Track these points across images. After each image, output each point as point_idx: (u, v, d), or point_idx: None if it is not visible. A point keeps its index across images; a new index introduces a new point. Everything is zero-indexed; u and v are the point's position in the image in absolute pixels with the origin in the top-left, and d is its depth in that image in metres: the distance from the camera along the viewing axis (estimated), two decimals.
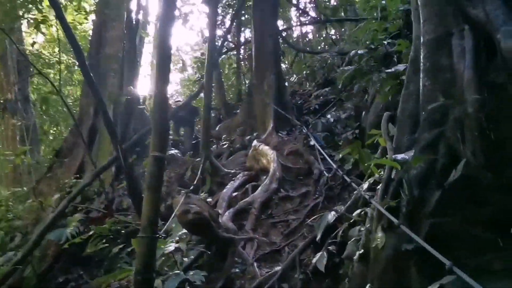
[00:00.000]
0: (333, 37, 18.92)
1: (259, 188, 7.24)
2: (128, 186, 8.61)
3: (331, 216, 4.68)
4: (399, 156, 3.20)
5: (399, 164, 3.42)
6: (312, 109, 11.71)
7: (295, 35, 20.61)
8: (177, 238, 6.06)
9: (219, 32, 15.89)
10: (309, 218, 6.40)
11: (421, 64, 3.90)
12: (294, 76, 15.46)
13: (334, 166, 6.33)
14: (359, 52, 6.92)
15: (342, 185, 7.11)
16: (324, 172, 7.41)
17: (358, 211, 4.45)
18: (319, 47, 18.48)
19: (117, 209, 9.53)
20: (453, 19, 3.81)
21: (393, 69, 4.58)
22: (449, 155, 3.47)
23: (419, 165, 3.50)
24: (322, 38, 19.67)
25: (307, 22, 17.85)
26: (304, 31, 20.63)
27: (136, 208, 8.61)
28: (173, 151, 10.23)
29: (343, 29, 18.01)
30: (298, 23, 18.21)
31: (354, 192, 6.30)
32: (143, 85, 27.20)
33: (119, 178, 10.29)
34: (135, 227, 8.55)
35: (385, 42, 6.96)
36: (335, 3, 17.61)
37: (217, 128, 12.91)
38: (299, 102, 12.55)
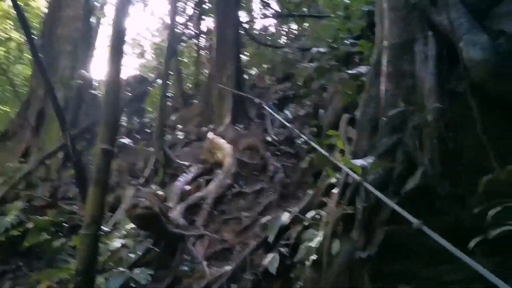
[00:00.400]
0: (295, 32, 18.90)
1: (213, 183, 7.06)
2: (76, 175, 8.26)
3: (285, 217, 4.57)
4: (358, 162, 3.11)
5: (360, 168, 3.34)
6: (270, 105, 11.57)
7: (256, 28, 20.44)
8: (124, 232, 5.81)
9: (180, 19, 15.50)
10: (263, 216, 6.28)
11: (384, 68, 3.84)
12: (254, 69, 15.31)
13: (288, 124, 6.09)
14: (321, 50, 6.85)
15: (298, 183, 7.05)
16: (280, 169, 7.32)
17: (312, 213, 4.37)
18: (280, 42, 18.40)
19: (63, 198, 9.10)
20: (418, 24, 3.76)
21: (354, 71, 4.51)
22: (407, 162, 3.42)
23: (377, 171, 3.44)
24: (283, 33, 19.60)
25: (269, 15, 17.68)
26: (266, 24, 20.45)
27: (82, 198, 8.24)
28: (125, 140, 9.84)
29: (305, 25, 18.00)
30: (261, 16, 18.01)
31: (310, 191, 6.27)
32: (99, 69, 26.10)
33: (67, 166, 9.82)
34: (80, 218, 8.21)
35: (348, 42, 6.92)
36: None
37: (173, 117, 12.58)
38: (257, 96, 12.40)
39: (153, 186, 7.59)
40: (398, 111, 3.56)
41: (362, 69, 4.48)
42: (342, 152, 4.69)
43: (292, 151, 8.08)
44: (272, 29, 21.06)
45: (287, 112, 9.32)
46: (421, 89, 3.52)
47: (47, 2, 15.14)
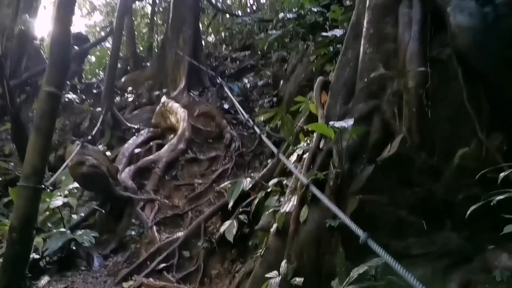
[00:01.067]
0: (253, 5, 18.40)
1: (165, 147, 6.69)
2: (13, 129, 7.57)
3: (246, 182, 4.29)
4: (337, 124, 2.88)
5: (334, 133, 3.11)
6: (227, 73, 11.20)
7: None
8: (67, 192, 5.34)
9: None
10: (217, 184, 6.02)
11: (364, 29, 3.60)
12: (211, 37, 14.77)
13: (246, 116, 5.76)
14: (288, 16, 6.55)
15: (254, 153, 6.82)
16: (236, 137, 7.04)
17: (275, 180, 4.13)
18: (238, 13, 17.89)
19: None
20: None
21: (329, 34, 4.27)
22: (383, 129, 3.24)
23: (351, 137, 3.23)
24: (240, 3, 19.04)
25: None
26: None
27: (19, 155, 7.59)
28: (70, 95, 9.15)
29: None
30: None
31: (268, 161, 6.04)
32: (43, 25, 24.44)
33: (3, 119, 9.04)
34: (16, 175, 7.60)
35: (315, 9, 6.65)
36: None
37: (122, 79, 11.89)
38: (214, 64, 11.98)
39: (100, 146, 7.09)
40: (377, 75, 3.35)
41: (338, 32, 4.23)
42: (309, 119, 4.47)
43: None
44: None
45: (245, 80, 9.00)
46: (403, 54, 3.32)
47: None
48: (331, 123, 2.94)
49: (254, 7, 16.99)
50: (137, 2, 15.43)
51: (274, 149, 3.75)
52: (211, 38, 14.96)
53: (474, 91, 3.12)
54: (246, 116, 5.81)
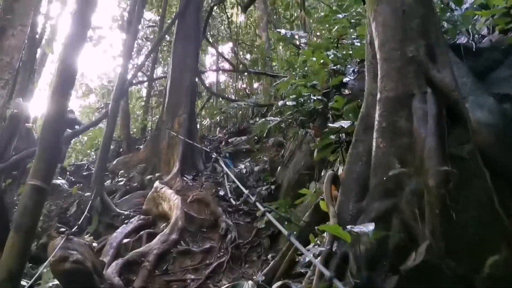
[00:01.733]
0: (247, 89, 18.76)
1: (157, 238, 6.24)
2: None
3: (247, 286, 3.87)
4: (357, 228, 2.57)
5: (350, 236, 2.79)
6: (222, 156, 11.00)
7: (207, 82, 20.14)
8: None
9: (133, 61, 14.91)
10: (211, 280, 5.54)
11: (376, 123, 3.42)
12: (206, 120, 14.81)
13: (246, 191, 5.12)
14: (288, 103, 6.46)
15: (251, 244, 6.40)
16: (232, 227, 6.65)
17: (278, 284, 3.72)
18: (232, 97, 18.17)
19: None
20: (414, 79, 3.40)
21: (335, 125, 4.09)
22: (404, 232, 2.94)
23: (369, 241, 2.91)
24: (235, 88, 19.42)
25: (224, 69, 17.53)
26: (218, 79, 20.20)
27: (1, 244, 7.09)
28: (58, 181, 8.79)
29: (258, 83, 17.90)
30: (216, 69, 17.81)
31: (269, 256, 5.63)
32: (37, 105, 24.58)
33: None
34: None
35: (314, 97, 6.59)
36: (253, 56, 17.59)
37: (114, 162, 11.62)
38: (208, 148, 11.84)
39: (86, 237, 6.62)
40: (394, 173, 3.10)
41: (345, 123, 4.05)
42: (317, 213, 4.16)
43: (246, 208, 7.45)
44: (222, 85, 20.90)
45: (241, 165, 8.77)
46: (419, 149, 3.11)
47: None
48: (348, 227, 2.63)
49: (247, 91, 17.31)
50: (133, 85, 15.61)
51: (284, 231, 3.23)
52: (205, 122, 14.99)
53: (502, 192, 2.88)
54: (246, 191, 5.31)
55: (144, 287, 5.39)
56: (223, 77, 20.59)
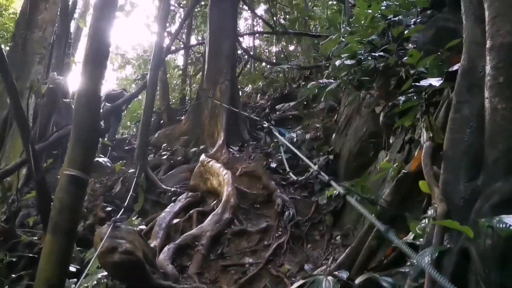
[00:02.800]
0: (284, 53, 17.84)
1: (209, 218, 5.73)
2: (38, 198, 6.78)
3: (327, 284, 3.25)
4: (508, 218, 1.90)
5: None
6: (265, 126, 10.36)
7: (244, 46, 19.28)
8: (95, 282, 4.43)
9: (169, 29, 14.26)
10: (271, 264, 5.01)
11: (488, 78, 2.66)
12: (248, 87, 14.09)
13: (315, 167, 4.13)
14: (347, 62, 5.69)
15: (311, 221, 5.80)
16: (289, 203, 6.06)
17: (362, 277, 3.10)
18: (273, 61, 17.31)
19: (22, 223, 7.61)
20: None
21: (423, 83, 3.34)
22: None
23: (494, 232, 2.23)
24: (273, 52, 18.52)
25: (262, 31, 16.66)
26: (254, 44, 19.31)
27: (45, 226, 6.81)
28: (100, 159, 8.40)
29: (298, 45, 16.95)
30: (252, 32, 16.95)
31: (337, 237, 5.03)
32: (75, 80, 24.52)
33: (30, 185, 8.34)
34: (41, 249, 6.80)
35: (376, 54, 5.79)
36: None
37: (156, 135, 11.21)
38: (254, 115, 11.20)
39: (134, 219, 6.19)
40: None
41: (434, 81, 3.30)
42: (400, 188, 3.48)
43: (302, 181, 6.83)
44: (261, 48, 20.02)
45: (293, 134, 8.09)
46: None
47: (23, 3, 13.83)
48: (495, 220, 1.95)
49: (285, 54, 16.39)
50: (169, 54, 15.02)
51: (379, 225, 2.45)
52: (246, 88, 14.29)
53: None
54: (315, 167, 4.45)
55: (200, 273, 4.92)
56: (257, 42, 19.74)
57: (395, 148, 4.86)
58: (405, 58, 4.65)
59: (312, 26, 16.52)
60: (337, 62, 5.99)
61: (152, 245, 5.53)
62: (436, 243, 2.41)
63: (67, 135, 9.01)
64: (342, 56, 6.42)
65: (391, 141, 5.24)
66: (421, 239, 2.65)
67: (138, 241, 4.41)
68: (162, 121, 12.31)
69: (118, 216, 4.86)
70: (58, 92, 11.63)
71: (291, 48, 17.33)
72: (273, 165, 7.21)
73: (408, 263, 3.01)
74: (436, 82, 3.35)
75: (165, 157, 9.53)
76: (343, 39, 7.04)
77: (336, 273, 3.00)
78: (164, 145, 10.21)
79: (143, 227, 5.91)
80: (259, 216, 6.21)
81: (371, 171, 5.59)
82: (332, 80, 6.40)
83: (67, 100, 12.27)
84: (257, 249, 5.36)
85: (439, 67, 4.02)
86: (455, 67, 3.50)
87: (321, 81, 6.75)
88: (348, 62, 5.83)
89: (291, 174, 4.95)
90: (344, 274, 2.98)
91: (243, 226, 5.80)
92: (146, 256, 4.44)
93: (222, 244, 5.45)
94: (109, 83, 22.28)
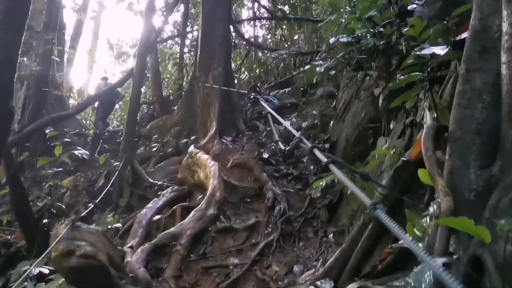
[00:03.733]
0: (286, 41, 17.18)
1: (191, 214, 5.21)
2: (12, 194, 6.30)
3: None
4: None
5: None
6: (263, 114, 9.79)
7: (244, 32, 18.62)
8: None
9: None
10: (257, 266, 4.48)
11: (505, 38, 2.09)
12: (244, 75, 13.49)
13: (297, 133, 3.29)
14: (342, 40, 5.11)
15: (304, 217, 5.25)
16: (281, 196, 5.52)
17: (355, 285, 2.56)
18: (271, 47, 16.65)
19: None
20: None
21: (425, 51, 2.75)
22: None
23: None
24: (274, 39, 17.84)
25: (261, 17, 16.01)
26: (256, 33, 18.63)
27: (20, 224, 6.33)
28: (82, 151, 7.88)
29: (299, 31, 16.30)
30: (252, 17, 16.31)
31: (329, 235, 4.48)
32: (73, 73, 24.16)
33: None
34: (18, 249, 6.35)
35: (376, 30, 5.20)
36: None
37: (148, 127, 10.69)
38: (248, 104, 10.62)
39: (109, 216, 5.67)
40: None
41: (437, 49, 2.72)
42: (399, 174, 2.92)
43: (295, 173, 6.28)
44: (264, 37, 19.36)
45: (288, 122, 7.50)
46: None
47: None
48: (503, 223, 1.39)
49: (287, 42, 15.75)
50: (165, 43, 14.48)
51: (365, 199, 1.83)
52: (244, 76, 13.68)
53: None
54: (297, 133, 3.69)
55: (177, 276, 4.40)
56: (261, 32, 19.07)
57: (395, 133, 4.28)
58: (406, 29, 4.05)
59: (314, 11, 15.86)
60: (332, 40, 5.41)
61: (129, 244, 5.03)
62: (439, 248, 1.85)
63: (42, 126, 8.56)
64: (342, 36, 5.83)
65: (391, 126, 4.67)
66: (419, 244, 2.07)
67: (102, 243, 3.89)
68: (155, 112, 11.78)
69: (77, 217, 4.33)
70: (50, 86, 11.17)
71: (295, 37, 16.68)
72: (265, 155, 6.64)
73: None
74: (440, 50, 2.77)
75: (155, 149, 9.01)
76: (344, 20, 6.45)
77: (319, 283, 2.44)
78: (155, 136, 9.68)
79: (119, 225, 5.40)
80: (248, 211, 5.67)
81: (369, 160, 5.02)
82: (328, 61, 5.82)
83: (58, 92, 11.79)
84: (244, 248, 4.82)
85: (445, 36, 3.43)
86: (464, 35, 2.93)
87: (316, 63, 6.16)
88: (344, 39, 5.24)
89: (280, 143, 4.39)
90: (327, 285, 2.42)
91: (230, 223, 5.26)
92: (112, 260, 3.92)
93: (204, 243, 4.92)
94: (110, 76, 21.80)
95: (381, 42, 5.35)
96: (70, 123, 11.26)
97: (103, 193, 6.15)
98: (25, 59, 10.89)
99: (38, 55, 11.21)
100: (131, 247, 4.91)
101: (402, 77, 4.07)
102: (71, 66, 17.10)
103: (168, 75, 15.36)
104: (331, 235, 4.52)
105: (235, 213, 5.70)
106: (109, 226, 5.25)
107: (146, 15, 8.84)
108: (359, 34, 5.28)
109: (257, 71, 12.84)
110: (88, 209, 5.54)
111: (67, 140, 8.86)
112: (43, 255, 3.49)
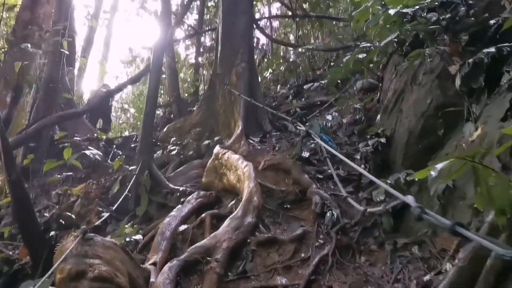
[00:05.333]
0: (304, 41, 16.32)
1: (226, 223, 4.32)
2: (14, 203, 5.48)
3: None
4: None
5: None
6: (291, 113, 8.95)
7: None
8: None
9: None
10: (314, 286, 3.58)
11: None
12: (267, 72, 12.60)
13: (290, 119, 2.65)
14: (391, 11, 4.27)
15: (362, 225, 4.34)
16: (330, 201, 4.62)
17: None
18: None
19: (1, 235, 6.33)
20: None
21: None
22: None
23: None
24: (296, 34, 16.97)
25: (281, 15, 15.24)
26: (275, 31, 17.82)
27: (23, 238, 5.51)
28: (94, 151, 7.03)
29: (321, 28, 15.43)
30: (271, 15, 15.52)
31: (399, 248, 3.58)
32: (86, 79, 23.67)
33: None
34: (22, 266, 5.53)
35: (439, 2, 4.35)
36: None
37: (165, 129, 9.88)
38: (273, 104, 9.76)
39: (127, 226, 4.80)
40: None
41: None
42: None
43: (343, 174, 5.38)
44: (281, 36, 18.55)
45: (328, 116, 6.62)
46: None
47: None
48: None
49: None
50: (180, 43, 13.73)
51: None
52: (266, 73, 12.78)
53: None
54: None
55: None
56: (277, 32, 18.25)
57: (489, 117, 3.39)
58: None
59: (335, 10, 15.02)
60: (392, 11, 4.51)
61: (152, 260, 4.15)
62: None
63: (48, 126, 7.77)
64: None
65: (474, 109, 3.77)
66: None
67: (121, 260, 3.02)
68: (172, 115, 10.96)
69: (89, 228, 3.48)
70: (59, 88, 10.50)
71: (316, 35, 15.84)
72: (305, 154, 5.74)
73: None
74: None
75: (174, 152, 8.16)
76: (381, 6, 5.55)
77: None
78: (173, 139, 8.84)
79: (139, 237, 4.53)
80: (289, 220, 4.79)
81: (441, 155, 4.13)
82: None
83: (68, 95, 11.07)
84: (292, 265, 3.91)
85: None
86: None
87: (362, 45, 5.28)
88: (392, 11, 4.37)
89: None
90: None
91: (272, 233, 4.37)
92: (134, 281, 3.06)
93: (244, 258, 4.02)
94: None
95: (447, 16, 4.48)
96: (80, 128, 10.55)
97: (118, 201, 5.27)
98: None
99: (47, 54, 10.51)
100: (154, 263, 4.03)
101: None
102: (82, 75, 16.55)
103: (183, 76, 14.56)
104: (408, 247, 3.61)
105: (274, 221, 4.82)
106: (128, 239, 4.38)
107: (163, 11, 8.05)
108: (416, 9, 4.41)
109: (280, 68, 11.98)
110: (102, 219, 4.66)
111: (77, 138, 8.07)
112: (48, 273, 2.62)
